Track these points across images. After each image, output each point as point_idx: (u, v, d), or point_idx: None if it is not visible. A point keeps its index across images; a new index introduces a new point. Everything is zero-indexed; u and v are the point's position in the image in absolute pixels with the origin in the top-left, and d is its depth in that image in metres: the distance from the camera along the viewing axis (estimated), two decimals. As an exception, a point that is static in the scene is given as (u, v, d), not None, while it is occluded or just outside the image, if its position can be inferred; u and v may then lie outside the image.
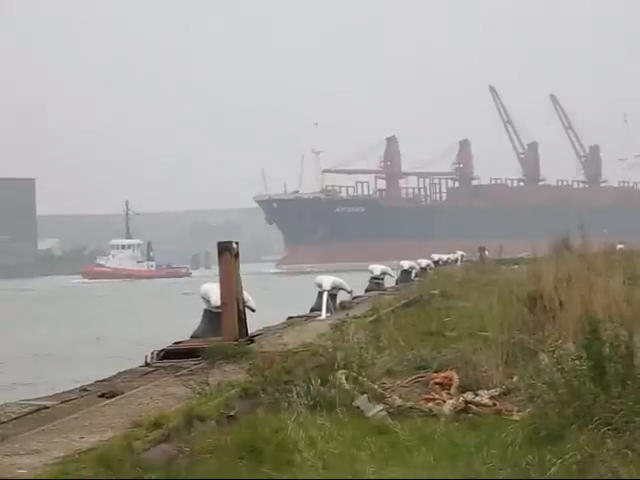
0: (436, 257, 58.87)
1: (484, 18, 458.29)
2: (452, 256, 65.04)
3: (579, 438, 8.99)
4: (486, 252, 60.74)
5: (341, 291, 28.16)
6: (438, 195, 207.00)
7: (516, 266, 37.18)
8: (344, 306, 26.13)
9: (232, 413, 10.77)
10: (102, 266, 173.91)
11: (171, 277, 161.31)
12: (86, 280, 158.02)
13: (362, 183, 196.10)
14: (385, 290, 36.77)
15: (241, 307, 16.79)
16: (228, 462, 8.89)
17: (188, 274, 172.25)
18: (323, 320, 22.92)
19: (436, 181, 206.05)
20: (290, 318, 25.49)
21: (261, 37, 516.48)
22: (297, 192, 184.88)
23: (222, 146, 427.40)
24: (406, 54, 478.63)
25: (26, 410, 11.38)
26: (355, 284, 31.63)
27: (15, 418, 10.89)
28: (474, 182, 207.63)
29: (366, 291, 36.40)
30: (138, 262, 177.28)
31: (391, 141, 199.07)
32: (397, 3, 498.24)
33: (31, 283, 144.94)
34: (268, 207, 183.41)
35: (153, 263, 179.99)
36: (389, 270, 40.68)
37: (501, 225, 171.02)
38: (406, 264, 46.12)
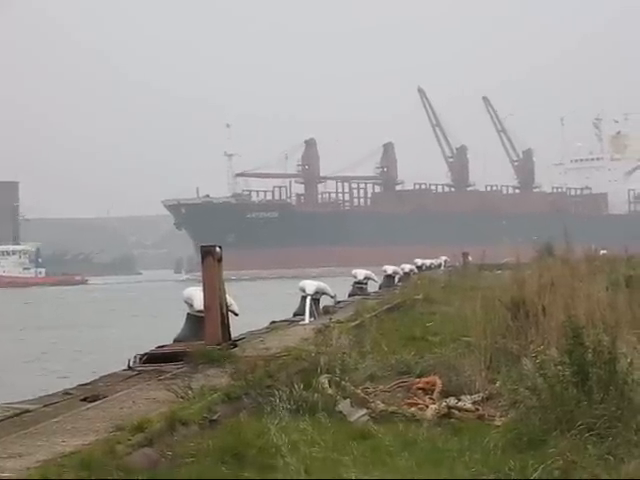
0: (419, 262, 59.00)
1: (410, 17, 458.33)
2: (435, 261, 65.19)
3: (561, 443, 9.02)
4: (469, 257, 60.92)
5: (324, 296, 28.12)
6: (362, 200, 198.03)
7: (499, 271, 37.20)
8: (327, 311, 26.07)
9: (215, 417, 10.75)
10: None
11: (64, 285, 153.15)
12: None
13: (280, 188, 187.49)
14: (368, 295, 36.78)
15: (224, 311, 16.77)
16: (211, 466, 8.89)
17: (84, 281, 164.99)
18: (306, 325, 22.90)
19: (355, 186, 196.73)
20: (273, 322, 25.45)
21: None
22: (208, 196, 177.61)
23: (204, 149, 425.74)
24: (331, 51, 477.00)
25: (8, 413, 11.32)
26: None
27: (-3, 421, 10.85)
28: (398, 187, 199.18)
29: (349, 296, 36.39)
30: (25, 269, 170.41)
31: (310, 144, 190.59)
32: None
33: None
34: (177, 212, 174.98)
35: (42, 270, 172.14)
36: (372, 275, 40.71)
37: (425, 231, 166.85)
38: (389, 269, 46.17)
